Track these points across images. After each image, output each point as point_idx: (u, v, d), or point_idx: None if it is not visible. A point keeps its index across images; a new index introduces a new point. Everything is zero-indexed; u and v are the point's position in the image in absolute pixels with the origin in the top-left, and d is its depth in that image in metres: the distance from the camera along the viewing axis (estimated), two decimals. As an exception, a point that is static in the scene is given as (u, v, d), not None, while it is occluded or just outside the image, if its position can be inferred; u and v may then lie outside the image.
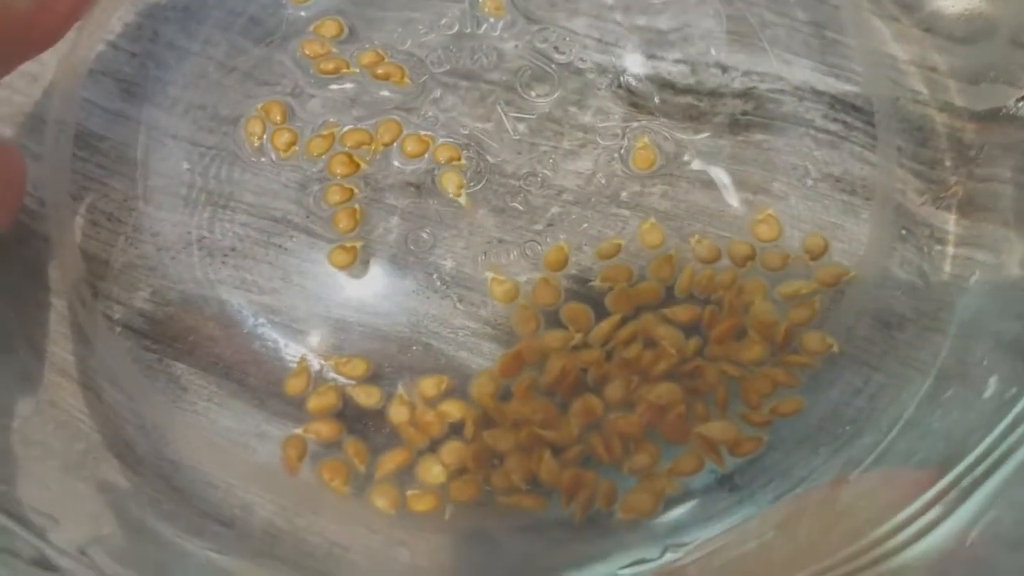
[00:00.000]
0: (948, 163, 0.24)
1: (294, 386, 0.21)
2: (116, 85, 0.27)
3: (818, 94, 0.26)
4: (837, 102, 0.25)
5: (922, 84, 0.25)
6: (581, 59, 0.25)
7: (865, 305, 0.22)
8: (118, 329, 0.23)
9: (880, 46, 0.26)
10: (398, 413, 0.20)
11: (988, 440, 0.17)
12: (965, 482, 0.17)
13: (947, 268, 0.23)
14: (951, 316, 0.22)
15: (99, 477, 0.20)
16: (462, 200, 0.22)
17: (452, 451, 0.20)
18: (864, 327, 0.22)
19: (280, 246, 0.23)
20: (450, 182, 0.22)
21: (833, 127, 0.25)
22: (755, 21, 0.27)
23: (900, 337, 0.22)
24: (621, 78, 0.25)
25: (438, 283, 0.22)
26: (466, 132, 0.24)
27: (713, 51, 0.26)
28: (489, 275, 0.22)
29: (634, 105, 0.25)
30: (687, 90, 0.25)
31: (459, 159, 0.23)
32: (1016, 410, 0.17)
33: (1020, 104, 0.23)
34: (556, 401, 0.21)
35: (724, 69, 0.26)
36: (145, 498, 0.20)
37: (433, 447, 0.20)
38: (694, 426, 0.20)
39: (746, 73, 0.26)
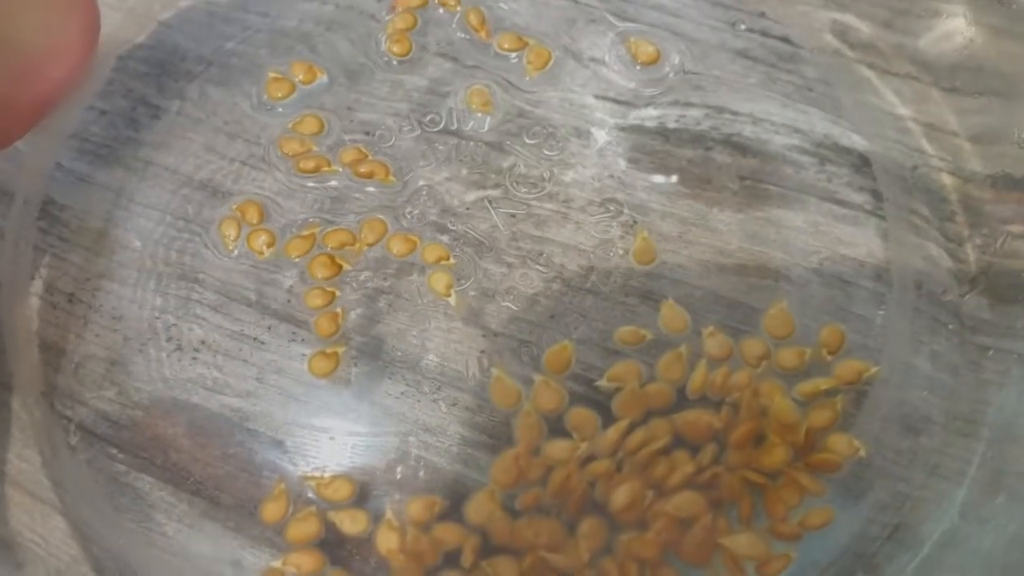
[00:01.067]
0: (967, 234, 0.22)
1: (271, 512, 0.19)
2: (85, 147, 0.25)
3: (840, 152, 0.24)
4: (863, 164, 0.24)
5: (934, 148, 0.24)
6: (567, 138, 0.23)
7: (891, 407, 0.20)
8: (77, 436, 0.21)
9: (890, 108, 0.24)
10: (387, 540, 0.19)
11: None
12: None
13: (980, 362, 0.21)
14: (984, 418, 0.20)
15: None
16: (452, 300, 0.21)
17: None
18: (891, 434, 0.20)
19: (255, 339, 0.22)
20: (439, 282, 0.21)
21: (858, 198, 0.23)
22: (767, 70, 0.25)
23: (927, 444, 0.20)
24: (618, 139, 0.23)
25: (427, 388, 0.21)
26: (454, 230, 0.22)
27: (724, 98, 0.24)
28: (495, 371, 0.20)
29: (634, 162, 0.24)
30: (696, 139, 0.24)
31: (447, 259, 0.21)
32: None
33: None
34: (563, 521, 0.19)
35: (735, 115, 0.24)
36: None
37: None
38: (716, 542, 0.18)
39: (756, 121, 0.24)
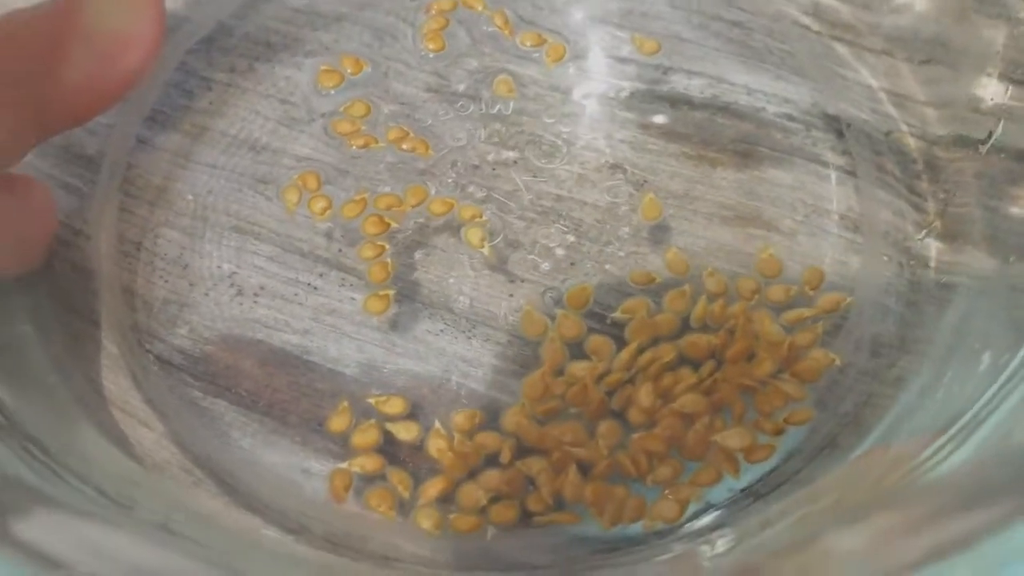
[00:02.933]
0: (929, 193, 0.26)
1: (337, 424, 0.22)
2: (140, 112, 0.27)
3: (826, 119, 0.27)
4: (844, 129, 0.27)
5: (901, 113, 0.27)
6: (586, 105, 0.27)
7: (862, 333, 0.23)
8: (161, 365, 0.24)
9: (864, 80, 0.27)
10: (437, 445, 0.22)
11: (988, 394, 0.19)
12: (971, 425, 0.19)
13: (933, 293, 0.24)
14: (934, 337, 0.23)
15: (164, 490, 0.22)
16: (485, 251, 0.24)
17: (490, 478, 0.21)
18: (862, 356, 0.23)
19: (310, 285, 0.25)
20: (474, 236, 0.24)
21: (839, 160, 0.26)
22: (759, 47, 0.28)
23: (887, 362, 0.23)
24: (633, 104, 0.27)
25: (465, 324, 0.24)
26: (485, 193, 0.25)
27: (722, 70, 0.27)
28: (526, 307, 0.23)
29: (644, 127, 0.27)
30: (703, 105, 0.27)
31: (480, 216, 0.24)
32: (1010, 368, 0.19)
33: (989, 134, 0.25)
34: (584, 424, 0.22)
35: (732, 85, 0.27)
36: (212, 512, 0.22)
37: (471, 476, 0.22)
38: (712, 438, 0.22)
39: (751, 92, 0.27)
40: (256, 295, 0.25)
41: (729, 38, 0.28)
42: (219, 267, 0.25)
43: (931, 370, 0.23)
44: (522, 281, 0.24)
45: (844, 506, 0.20)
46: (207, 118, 0.28)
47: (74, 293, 0.25)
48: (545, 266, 0.25)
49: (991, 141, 0.25)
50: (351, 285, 0.25)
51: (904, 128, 0.27)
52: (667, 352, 0.22)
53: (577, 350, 0.23)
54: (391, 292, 0.23)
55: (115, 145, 0.27)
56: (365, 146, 0.26)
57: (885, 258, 0.25)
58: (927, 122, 0.27)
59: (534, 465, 0.21)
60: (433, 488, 0.21)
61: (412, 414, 0.23)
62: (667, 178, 0.26)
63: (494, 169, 0.26)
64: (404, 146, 0.25)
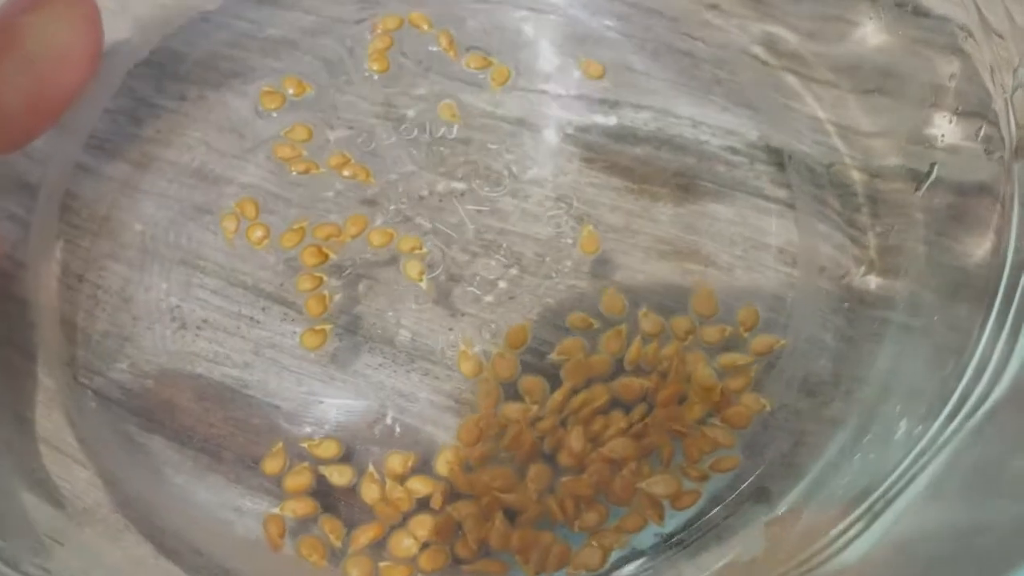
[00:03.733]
0: (867, 221, 0.26)
1: (271, 466, 0.22)
2: (88, 141, 0.27)
3: (769, 152, 0.27)
4: (788, 162, 0.27)
5: (844, 144, 0.27)
6: (531, 143, 0.27)
7: (794, 373, 0.24)
8: (99, 400, 0.24)
9: (811, 111, 0.27)
10: (369, 491, 0.22)
11: (900, 469, 0.19)
12: (879, 504, 0.19)
13: (870, 331, 0.24)
14: (869, 374, 0.23)
15: (87, 542, 0.21)
16: (423, 285, 0.24)
17: (421, 524, 0.22)
18: (792, 395, 0.23)
19: (252, 319, 0.25)
20: (413, 269, 0.24)
21: (781, 193, 0.26)
22: (707, 77, 0.28)
23: (824, 401, 0.23)
24: (577, 138, 0.27)
25: (404, 358, 0.24)
26: (426, 223, 0.25)
27: (668, 102, 0.28)
28: (462, 347, 0.23)
29: (588, 161, 0.27)
30: (648, 138, 0.27)
31: (420, 248, 0.24)
32: (921, 444, 0.19)
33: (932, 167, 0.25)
34: (514, 468, 0.22)
35: (678, 119, 0.27)
36: (136, 565, 0.21)
37: (403, 521, 0.22)
38: (639, 485, 0.22)
39: (696, 124, 0.27)
40: (199, 328, 0.25)
41: (679, 69, 0.28)
42: (163, 300, 0.25)
43: (856, 423, 0.23)
44: (462, 315, 0.24)
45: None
46: (154, 147, 0.28)
47: (11, 325, 0.25)
48: (487, 299, 0.25)
49: (933, 175, 0.25)
50: (292, 319, 0.25)
51: (848, 160, 0.27)
52: (599, 395, 0.22)
53: (512, 389, 0.23)
54: (327, 328, 0.23)
55: (55, 173, 0.27)
56: (306, 172, 0.25)
57: (823, 293, 0.25)
58: (871, 154, 0.27)
59: (462, 510, 0.21)
60: (364, 536, 0.21)
61: (346, 456, 0.23)
62: (608, 211, 0.26)
63: (440, 200, 0.26)
64: (345, 172, 0.25)
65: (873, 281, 0.25)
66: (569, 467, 0.22)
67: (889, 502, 0.19)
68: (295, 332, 0.24)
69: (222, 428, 0.23)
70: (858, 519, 0.19)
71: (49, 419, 0.23)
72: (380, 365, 0.24)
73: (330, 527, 0.21)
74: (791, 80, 0.28)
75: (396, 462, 0.22)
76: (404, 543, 0.21)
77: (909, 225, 0.25)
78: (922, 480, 0.19)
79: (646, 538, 0.22)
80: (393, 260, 0.25)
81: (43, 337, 0.24)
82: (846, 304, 0.25)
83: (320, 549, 0.21)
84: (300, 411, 0.23)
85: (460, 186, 0.26)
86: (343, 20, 0.29)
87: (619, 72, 0.28)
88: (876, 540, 0.19)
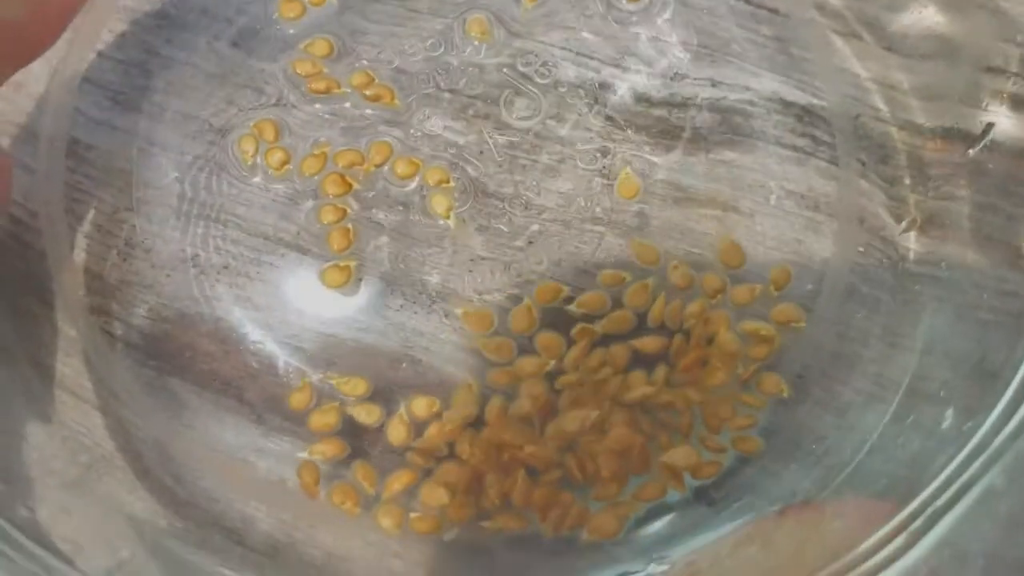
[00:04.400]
0: (908, 181, 0.25)
1: (298, 401, 0.22)
2: (103, 94, 0.27)
3: (786, 105, 0.27)
4: (806, 114, 0.26)
5: (883, 102, 0.27)
6: (559, 79, 0.26)
7: (827, 329, 0.23)
8: (118, 345, 0.23)
9: (841, 63, 0.27)
10: (397, 433, 0.21)
11: (948, 470, 0.18)
12: (928, 512, 0.18)
13: (911, 286, 0.24)
14: (915, 333, 0.23)
15: (106, 493, 0.21)
16: (451, 221, 0.23)
17: (448, 472, 0.21)
18: (831, 341, 0.23)
19: (271, 264, 0.24)
20: (439, 204, 0.23)
21: (800, 142, 0.26)
22: (724, 35, 0.28)
23: (866, 354, 0.23)
24: (598, 94, 0.26)
25: (425, 299, 0.23)
26: (453, 152, 0.24)
27: (684, 63, 0.27)
28: (458, 311, 0.23)
29: (610, 119, 0.26)
30: (662, 103, 0.26)
31: (447, 181, 0.24)
32: (973, 443, 0.18)
33: (984, 128, 0.24)
34: (536, 427, 0.22)
35: (695, 80, 0.27)
36: (153, 515, 0.21)
37: (430, 470, 0.21)
38: (657, 455, 0.21)
39: (715, 84, 0.27)
40: (219, 274, 0.24)
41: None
42: (182, 250, 0.25)
43: (897, 400, 0.22)
44: (483, 258, 0.24)
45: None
46: (167, 98, 0.27)
47: (29, 274, 0.24)
48: (516, 243, 0.24)
49: (989, 136, 0.24)
50: (311, 264, 0.24)
51: (886, 118, 0.26)
52: (618, 356, 0.22)
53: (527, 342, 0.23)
54: (352, 264, 0.23)
55: (51, 117, 0.26)
56: (326, 91, 0.24)
57: (855, 242, 0.24)
58: (910, 112, 0.26)
59: (487, 462, 0.21)
60: (397, 483, 0.21)
61: (373, 396, 0.22)
62: (637, 159, 0.25)
63: (466, 132, 0.24)
64: (368, 92, 0.24)
65: (914, 238, 0.24)
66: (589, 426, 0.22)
67: (937, 515, 0.18)
68: (314, 276, 0.24)
69: (243, 370, 0.23)
70: (902, 527, 0.18)
71: (68, 365, 0.23)
72: (402, 306, 0.23)
73: (363, 473, 0.21)
74: (833, 37, 0.28)
75: (421, 406, 0.22)
76: (436, 493, 0.21)
77: (955, 187, 0.25)
78: (976, 490, 0.18)
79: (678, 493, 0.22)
80: (418, 196, 0.24)
81: (61, 285, 0.24)
82: (887, 257, 0.24)
83: (353, 496, 0.21)
84: (322, 352, 0.23)
85: (489, 117, 0.25)
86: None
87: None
88: (920, 560, 0.17)
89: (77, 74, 0.26)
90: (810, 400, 0.22)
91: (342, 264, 0.23)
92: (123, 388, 0.23)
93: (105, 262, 0.25)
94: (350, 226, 0.23)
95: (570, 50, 0.26)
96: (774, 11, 0.28)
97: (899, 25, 0.27)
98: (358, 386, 0.22)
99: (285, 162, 0.24)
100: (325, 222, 0.23)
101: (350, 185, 0.23)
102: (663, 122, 0.26)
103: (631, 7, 0.26)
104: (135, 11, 0.28)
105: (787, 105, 0.26)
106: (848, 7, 0.28)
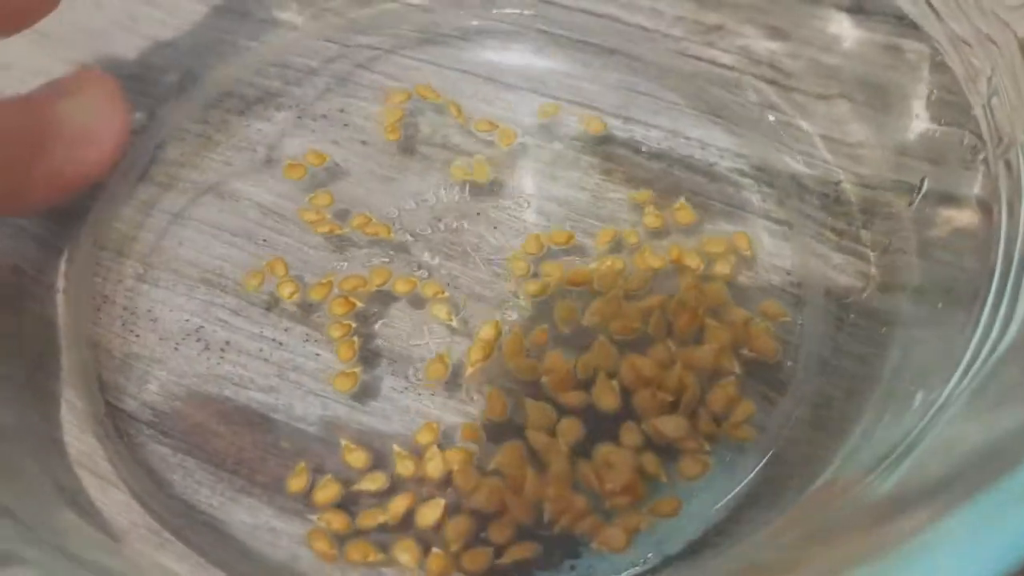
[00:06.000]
0: (868, 242, 0.26)
1: (296, 484, 0.23)
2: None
3: (774, 175, 0.28)
4: (793, 185, 0.28)
5: (838, 161, 0.28)
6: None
7: (804, 393, 0.24)
8: (126, 423, 0.24)
9: (811, 129, 0.28)
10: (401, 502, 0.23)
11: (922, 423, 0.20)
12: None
13: (875, 341, 0.25)
14: (878, 379, 0.24)
15: (121, 571, 0.22)
16: (454, 324, 0.25)
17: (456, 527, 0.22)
18: (804, 426, 0.24)
19: (274, 339, 0.25)
20: (440, 311, 0.25)
21: (785, 215, 0.27)
22: (712, 99, 0.29)
23: (835, 416, 0.24)
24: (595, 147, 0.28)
25: (425, 386, 0.25)
26: (450, 278, 0.26)
27: (678, 124, 0.28)
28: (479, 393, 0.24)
29: (607, 173, 0.28)
30: (658, 155, 0.28)
31: (443, 293, 0.25)
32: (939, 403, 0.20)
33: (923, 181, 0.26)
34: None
35: (687, 140, 0.28)
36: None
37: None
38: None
39: (704, 147, 0.28)
40: (223, 350, 0.25)
41: (684, 91, 0.29)
42: (187, 320, 0.26)
43: (871, 415, 0.24)
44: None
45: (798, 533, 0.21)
46: (178, 169, 0.28)
47: (42, 349, 0.25)
48: (512, 317, 0.25)
49: (924, 188, 0.26)
50: (316, 341, 0.25)
51: (843, 177, 0.28)
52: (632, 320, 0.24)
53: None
54: (358, 370, 0.24)
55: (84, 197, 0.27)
56: (330, 232, 0.27)
57: (827, 314, 0.25)
58: (865, 170, 0.28)
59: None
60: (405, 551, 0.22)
61: (375, 465, 0.23)
62: (627, 226, 0.27)
63: (456, 251, 0.27)
64: (367, 230, 0.26)
65: (876, 297, 0.26)
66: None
67: (914, 444, 0.20)
68: (318, 355, 0.25)
69: (252, 452, 0.24)
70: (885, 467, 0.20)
71: (83, 441, 0.24)
72: (405, 389, 0.25)
73: (405, 549, 0.22)
74: (793, 98, 0.29)
75: (425, 435, 0.24)
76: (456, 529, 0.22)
77: (904, 239, 0.26)
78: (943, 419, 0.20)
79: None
80: (416, 299, 0.26)
81: (73, 359, 0.25)
82: (853, 321, 0.25)
83: (370, 549, 0.22)
84: (327, 435, 0.24)
85: (476, 240, 0.27)
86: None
87: (625, 95, 0.29)
88: (903, 474, 0.19)
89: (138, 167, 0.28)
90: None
91: (349, 371, 0.24)
92: (137, 466, 0.24)
93: (114, 335, 0.26)
94: (356, 339, 0.25)
95: (550, 153, 0.28)
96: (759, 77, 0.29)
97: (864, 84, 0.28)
98: (359, 458, 0.23)
99: (295, 292, 0.26)
100: (332, 338, 0.25)
101: (354, 304, 0.25)
102: (661, 179, 0.28)
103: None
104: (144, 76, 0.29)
105: (775, 174, 0.28)
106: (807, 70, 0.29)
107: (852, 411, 0.24)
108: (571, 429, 0.23)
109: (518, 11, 0.30)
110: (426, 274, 0.26)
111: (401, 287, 0.25)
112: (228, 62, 0.30)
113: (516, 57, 0.30)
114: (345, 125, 0.29)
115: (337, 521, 0.23)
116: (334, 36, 0.31)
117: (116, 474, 0.24)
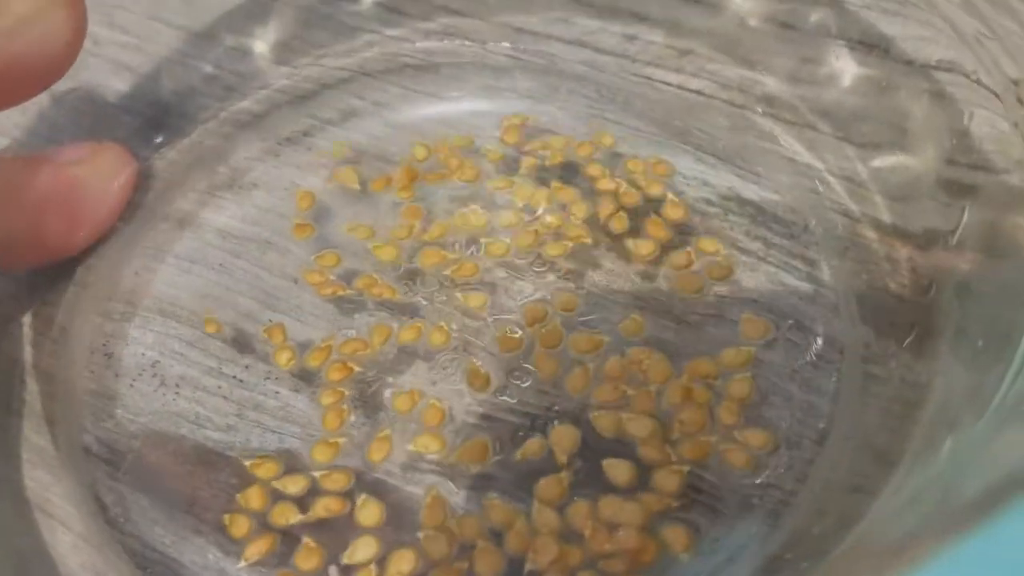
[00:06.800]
0: (853, 276, 0.26)
1: (237, 529, 0.23)
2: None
3: (742, 203, 0.27)
4: (760, 213, 0.27)
5: (829, 191, 0.27)
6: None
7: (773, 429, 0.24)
8: (82, 459, 0.24)
9: (791, 156, 0.28)
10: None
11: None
12: None
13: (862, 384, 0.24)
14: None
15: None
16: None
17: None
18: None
19: (233, 376, 0.25)
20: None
21: (753, 246, 0.27)
22: (679, 125, 0.29)
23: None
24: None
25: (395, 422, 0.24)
26: (456, 334, 0.25)
27: (643, 154, 0.28)
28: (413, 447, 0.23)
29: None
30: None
31: (448, 339, 0.25)
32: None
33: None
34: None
35: (654, 168, 0.28)
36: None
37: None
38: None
39: (669, 174, 0.28)
40: (178, 386, 0.25)
41: (650, 118, 0.29)
42: (143, 355, 0.26)
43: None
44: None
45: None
46: (141, 196, 0.28)
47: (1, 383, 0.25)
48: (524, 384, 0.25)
49: (963, 221, 0.25)
50: (276, 379, 0.25)
51: (828, 205, 0.27)
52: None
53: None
54: (340, 441, 0.24)
55: None
56: (333, 294, 0.26)
57: (796, 348, 0.25)
58: (854, 199, 0.27)
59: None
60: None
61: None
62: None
63: (463, 311, 0.26)
64: (373, 291, 0.26)
65: (863, 331, 0.25)
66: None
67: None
68: (278, 392, 0.25)
69: (205, 491, 0.23)
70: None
71: (35, 480, 0.24)
72: (364, 424, 0.24)
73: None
74: (769, 124, 0.29)
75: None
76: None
77: (883, 271, 0.26)
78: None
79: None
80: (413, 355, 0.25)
81: (28, 393, 0.25)
82: (825, 358, 0.25)
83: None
84: (285, 473, 0.24)
85: (489, 298, 0.26)
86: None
87: (592, 122, 0.29)
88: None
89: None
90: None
91: (331, 440, 0.24)
92: (90, 504, 0.23)
93: (70, 369, 0.25)
94: (345, 407, 0.24)
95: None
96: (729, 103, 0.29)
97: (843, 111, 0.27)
98: (339, 481, 0.23)
99: (292, 359, 0.25)
100: (324, 404, 0.24)
101: (352, 369, 0.24)
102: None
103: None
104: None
105: (743, 203, 0.27)
106: (789, 94, 0.29)
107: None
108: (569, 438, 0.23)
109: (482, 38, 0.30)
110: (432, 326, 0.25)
111: (407, 335, 0.25)
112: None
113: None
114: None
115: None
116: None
117: (68, 513, 0.23)
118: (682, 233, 0.27)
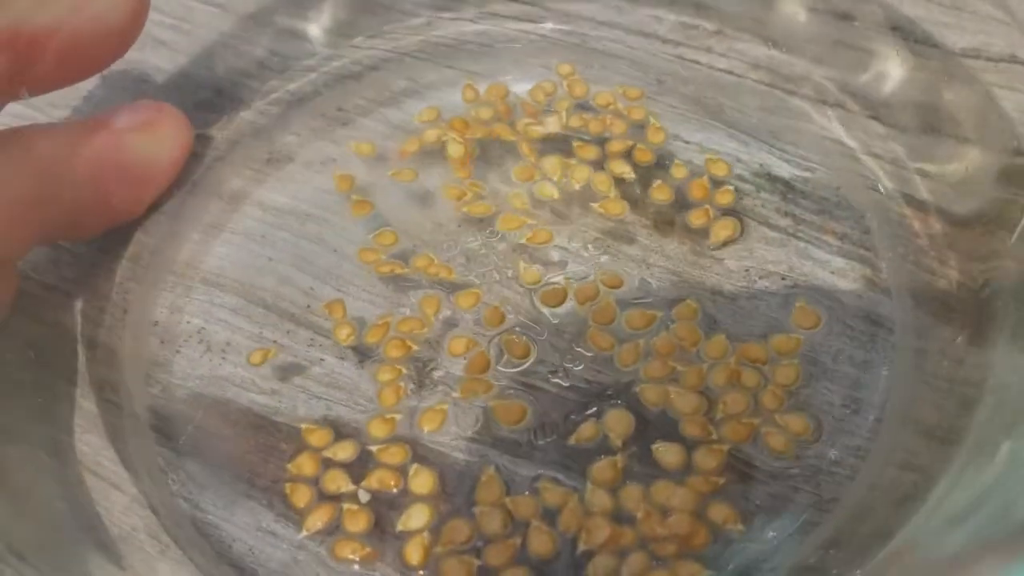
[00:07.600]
0: (884, 254, 0.27)
1: (299, 499, 0.23)
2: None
3: (772, 180, 0.28)
4: (790, 190, 0.28)
5: (863, 169, 0.28)
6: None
7: (808, 398, 0.25)
8: (131, 425, 0.25)
9: (821, 133, 0.28)
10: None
11: None
12: None
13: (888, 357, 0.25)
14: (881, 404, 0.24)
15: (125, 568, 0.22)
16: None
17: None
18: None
19: (276, 342, 0.26)
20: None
21: (783, 223, 0.27)
22: (712, 104, 0.29)
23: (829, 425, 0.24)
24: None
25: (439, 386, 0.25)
26: (511, 317, 0.26)
27: (679, 132, 0.28)
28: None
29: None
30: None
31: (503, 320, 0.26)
32: None
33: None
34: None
35: (687, 143, 0.28)
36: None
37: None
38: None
39: (703, 150, 0.28)
40: (224, 352, 0.26)
41: (683, 95, 0.29)
42: (188, 322, 0.26)
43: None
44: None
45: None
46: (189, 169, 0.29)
47: (48, 348, 0.25)
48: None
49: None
50: (320, 345, 0.26)
51: (859, 183, 0.28)
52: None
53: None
54: (397, 416, 0.24)
55: None
56: (390, 272, 0.26)
57: (833, 319, 0.25)
58: (883, 178, 0.28)
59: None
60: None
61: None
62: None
63: (517, 292, 0.26)
64: (430, 271, 0.26)
65: (897, 306, 0.25)
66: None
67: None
68: (323, 359, 0.25)
69: (254, 455, 0.24)
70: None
71: (86, 443, 0.24)
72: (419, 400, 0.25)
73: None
74: (798, 102, 0.29)
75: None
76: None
77: (922, 254, 0.26)
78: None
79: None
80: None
81: (79, 360, 0.25)
82: (859, 329, 0.25)
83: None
84: (332, 440, 0.24)
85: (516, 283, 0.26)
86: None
87: (623, 100, 0.29)
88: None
89: None
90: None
91: (388, 416, 0.24)
92: (141, 468, 0.24)
93: (117, 337, 0.26)
94: (402, 384, 0.24)
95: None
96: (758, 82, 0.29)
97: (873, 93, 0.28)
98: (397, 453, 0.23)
99: (351, 334, 0.25)
100: (381, 381, 0.25)
101: (409, 348, 0.25)
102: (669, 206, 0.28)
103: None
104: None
105: (773, 180, 0.28)
106: (818, 74, 0.29)
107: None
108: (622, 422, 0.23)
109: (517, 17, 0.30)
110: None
111: (463, 301, 0.26)
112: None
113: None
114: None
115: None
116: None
117: (120, 476, 0.24)
118: (726, 214, 0.27)
